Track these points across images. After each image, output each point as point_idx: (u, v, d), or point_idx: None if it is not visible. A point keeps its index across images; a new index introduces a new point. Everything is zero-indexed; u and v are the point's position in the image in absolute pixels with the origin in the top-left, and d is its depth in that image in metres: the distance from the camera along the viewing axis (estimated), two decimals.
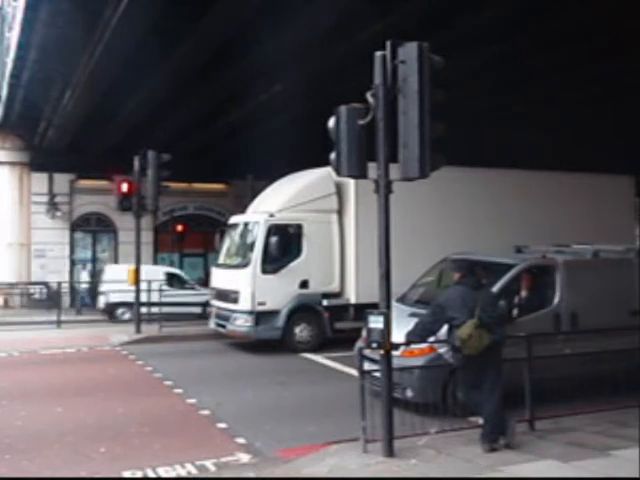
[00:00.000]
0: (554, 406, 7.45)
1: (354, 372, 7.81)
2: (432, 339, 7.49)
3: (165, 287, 17.81)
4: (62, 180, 22.42)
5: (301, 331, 13.66)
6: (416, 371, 8.16)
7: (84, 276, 20.72)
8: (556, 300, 9.12)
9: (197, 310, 18.26)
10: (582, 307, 9.01)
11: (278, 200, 14.19)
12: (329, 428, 7.79)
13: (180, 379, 10.74)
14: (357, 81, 7.78)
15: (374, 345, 6.53)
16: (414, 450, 6.63)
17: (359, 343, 8.63)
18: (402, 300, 9.87)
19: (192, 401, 9.39)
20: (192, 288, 19.39)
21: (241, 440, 7.57)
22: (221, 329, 14.30)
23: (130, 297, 16.28)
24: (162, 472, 6.57)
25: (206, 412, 8.82)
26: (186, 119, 18.16)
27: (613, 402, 7.81)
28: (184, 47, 12.95)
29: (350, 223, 13.86)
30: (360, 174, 6.94)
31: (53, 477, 6.50)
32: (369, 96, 6.64)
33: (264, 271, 13.42)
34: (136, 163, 15.81)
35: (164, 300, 17.07)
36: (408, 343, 7.55)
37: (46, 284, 21.34)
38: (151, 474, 6.53)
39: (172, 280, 19.01)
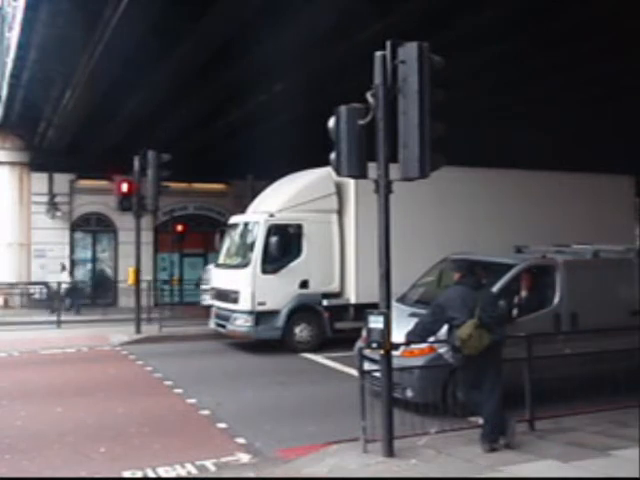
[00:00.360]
0: (554, 406, 7.45)
1: (354, 372, 7.81)
2: (432, 339, 7.50)
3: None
4: (62, 180, 22.39)
5: (301, 331, 13.66)
6: (416, 371, 8.16)
7: (64, 276, 20.66)
8: (556, 300, 9.12)
9: None
10: (582, 307, 9.01)
11: (278, 200, 14.19)
12: (329, 428, 7.79)
13: (180, 379, 10.74)
14: (357, 81, 7.77)
15: (374, 345, 6.53)
16: (414, 450, 6.63)
17: (359, 343, 8.63)
18: (402, 300, 9.87)
19: (192, 401, 9.39)
20: None
21: (241, 440, 7.57)
22: (221, 329, 14.30)
23: None
24: (162, 472, 6.57)
25: (206, 412, 8.82)
26: (186, 119, 18.15)
27: (613, 402, 7.81)
28: (184, 47, 12.93)
29: (350, 223, 13.86)
30: (360, 174, 6.94)
31: (53, 477, 6.50)
32: (369, 96, 6.64)
33: (264, 271, 13.42)
34: (136, 163, 15.82)
35: None
36: (408, 343, 7.56)
37: (46, 284, 21.33)
38: (151, 474, 6.53)
39: None
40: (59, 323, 17.29)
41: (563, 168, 16.09)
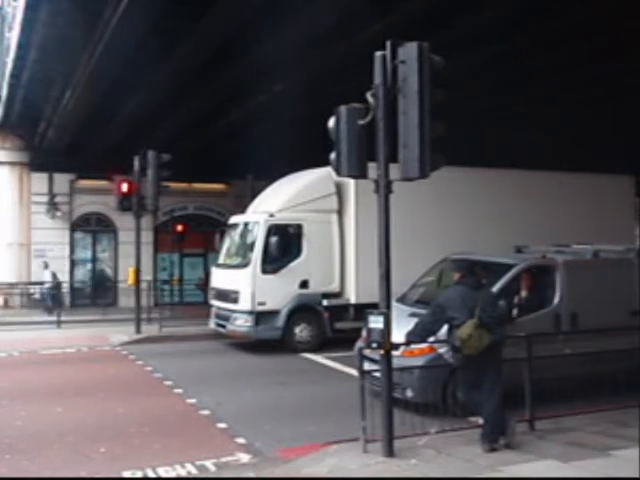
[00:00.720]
0: (554, 406, 7.45)
1: (354, 372, 7.81)
2: (432, 339, 7.50)
3: None
4: (62, 180, 22.38)
5: (301, 331, 13.66)
6: (416, 371, 8.16)
7: (47, 275, 20.62)
8: (556, 300, 9.12)
9: None
10: (582, 307, 9.01)
11: (278, 200, 14.19)
12: (329, 428, 7.79)
13: (180, 379, 10.74)
14: (357, 81, 7.77)
15: (374, 345, 6.53)
16: (414, 450, 6.63)
17: (359, 343, 8.63)
18: (402, 300, 9.87)
19: (192, 401, 9.39)
20: None
21: (241, 440, 7.57)
22: (221, 329, 14.30)
23: None
24: (162, 472, 6.57)
25: (206, 412, 8.83)
26: (186, 119, 18.14)
27: (613, 402, 7.81)
28: (184, 47, 12.93)
29: (350, 223, 13.86)
30: (360, 174, 6.94)
31: (53, 477, 6.50)
32: (369, 96, 6.64)
33: (264, 271, 13.43)
34: (136, 163, 15.82)
35: None
36: (408, 343, 7.56)
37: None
38: (151, 474, 6.53)
39: None
40: (59, 323, 17.30)
41: (563, 168, 16.09)
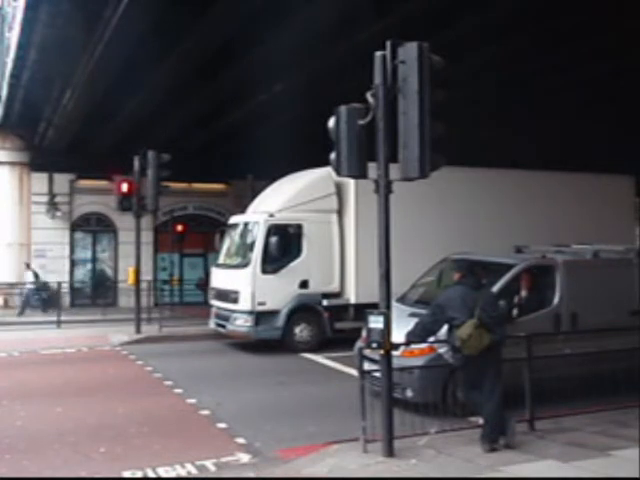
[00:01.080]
0: (554, 406, 7.45)
1: (354, 372, 7.81)
2: (432, 339, 7.50)
3: None
4: (62, 180, 22.37)
5: (301, 331, 13.66)
6: (416, 371, 8.16)
7: (29, 277, 20.60)
8: (556, 300, 9.12)
9: None
10: (582, 307, 9.02)
11: (278, 200, 14.19)
12: (329, 428, 7.79)
13: (180, 379, 10.74)
14: (357, 81, 7.76)
15: (374, 345, 6.53)
16: (414, 450, 6.63)
17: (359, 343, 8.63)
18: (402, 300, 9.87)
19: (192, 401, 9.39)
20: None
21: (241, 440, 7.57)
22: (221, 329, 14.30)
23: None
24: (162, 472, 6.57)
25: (206, 412, 8.83)
26: (186, 119, 18.14)
27: (613, 402, 7.81)
28: (184, 47, 12.93)
29: (350, 223, 13.86)
30: (360, 174, 6.94)
31: (53, 477, 6.50)
32: (369, 96, 6.64)
33: (264, 271, 13.42)
34: (136, 163, 15.82)
35: None
36: (408, 343, 7.56)
37: (46, 284, 21.32)
38: (151, 474, 6.53)
39: None
40: (59, 323, 17.30)
41: (563, 168, 16.09)
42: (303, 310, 13.68)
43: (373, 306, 6.80)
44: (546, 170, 15.86)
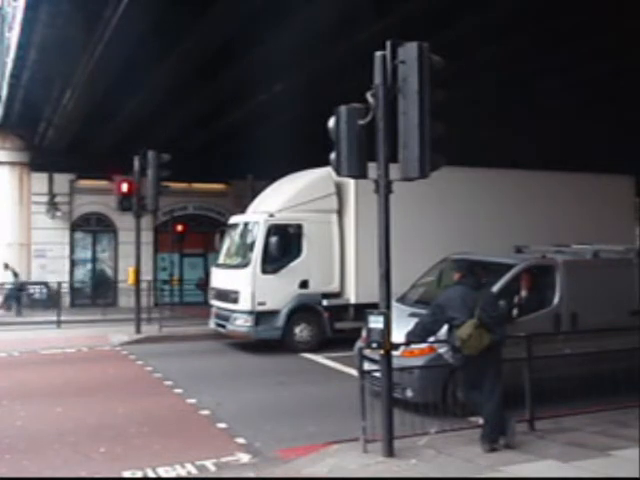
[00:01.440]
0: (554, 406, 7.45)
1: (354, 372, 7.81)
2: (432, 339, 7.49)
3: None
4: (62, 180, 22.37)
5: (301, 331, 13.66)
6: (416, 371, 8.16)
7: (7, 277, 20.57)
8: (556, 300, 9.12)
9: None
10: (582, 307, 9.01)
11: (278, 200, 14.19)
12: (329, 428, 7.79)
13: (180, 379, 10.74)
14: (357, 81, 7.77)
15: (374, 345, 6.53)
16: (414, 450, 6.63)
17: (359, 343, 8.63)
18: (402, 300, 9.87)
19: (192, 401, 9.39)
20: None
21: (241, 440, 7.57)
22: (221, 329, 14.30)
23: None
24: (162, 472, 6.57)
25: (206, 412, 8.82)
26: (186, 119, 18.15)
27: (613, 402, 7.81)
28: (184, 47, 12.93)
29: (350, 223, 13.86)
30: (360, 174, 6.94)
31: (53, 477, 6.50)
32: (369, 96, 6.64)
33: (264, 271, 13.42)
34: (136, 163, 15.82)
35: None
36: (408, 343, 7.56)
37: (46, 284, 21.33)
38: (151, 474, 6.53)
39: None
40: (59, 323, 17.30)
41: (563, 168, 16.09)
42: (303, 310, 13.68)
43: (373, 306, 6.80)
44: (546, 170, 15.86)
